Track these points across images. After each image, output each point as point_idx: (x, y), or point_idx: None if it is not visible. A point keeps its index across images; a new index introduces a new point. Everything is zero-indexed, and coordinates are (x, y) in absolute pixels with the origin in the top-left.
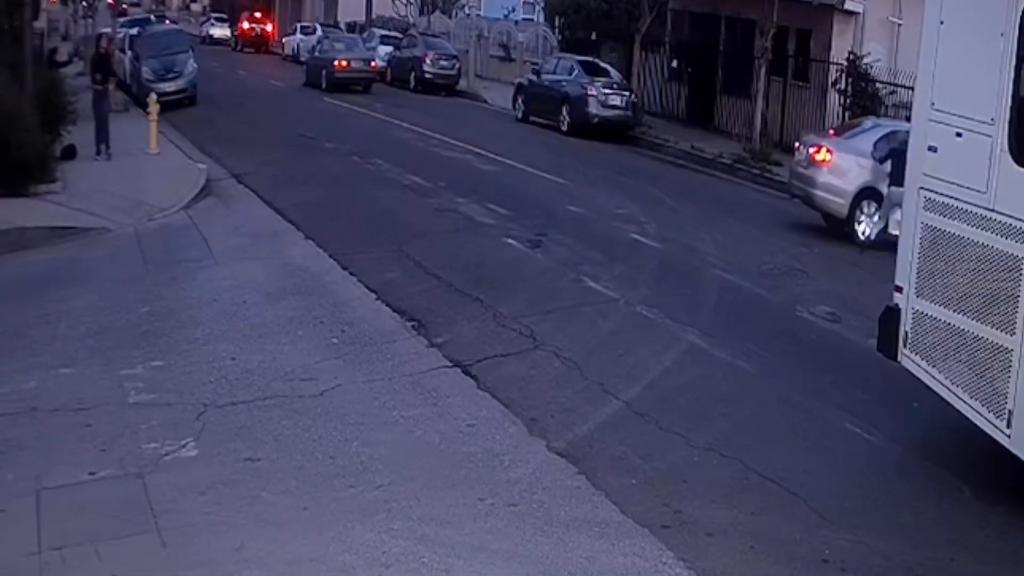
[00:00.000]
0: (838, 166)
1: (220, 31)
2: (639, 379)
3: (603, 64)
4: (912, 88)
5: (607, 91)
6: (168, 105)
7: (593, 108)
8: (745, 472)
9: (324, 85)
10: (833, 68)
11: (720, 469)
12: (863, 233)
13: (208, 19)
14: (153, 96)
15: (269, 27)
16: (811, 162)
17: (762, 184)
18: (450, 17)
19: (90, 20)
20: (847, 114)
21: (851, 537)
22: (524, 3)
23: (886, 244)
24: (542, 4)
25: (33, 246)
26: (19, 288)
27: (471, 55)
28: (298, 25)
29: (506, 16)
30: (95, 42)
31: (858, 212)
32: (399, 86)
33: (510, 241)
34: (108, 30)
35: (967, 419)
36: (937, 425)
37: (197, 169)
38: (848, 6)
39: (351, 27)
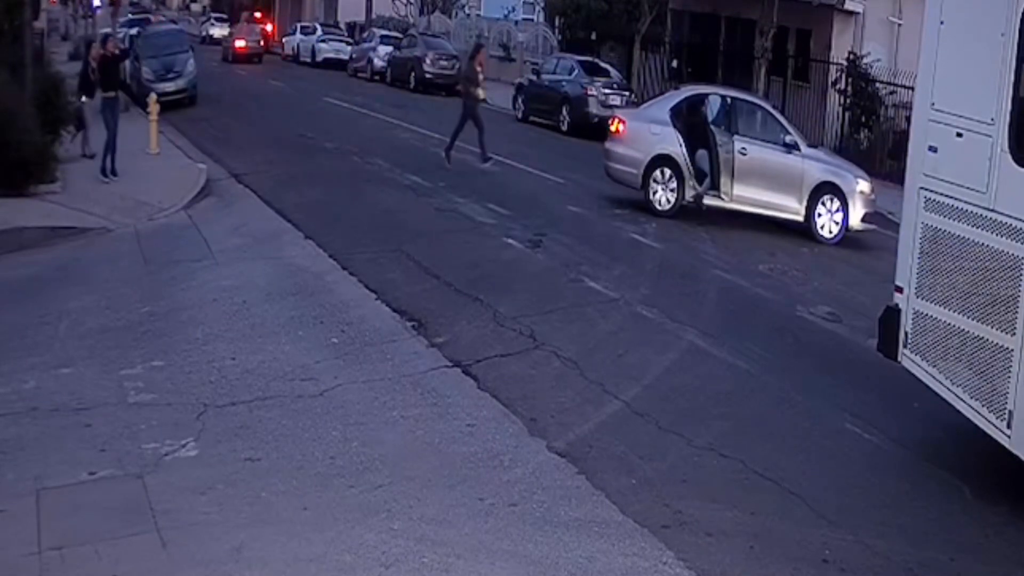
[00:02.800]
0: (630, 136)
1: (220, 31)
2: (639, 379)
3: (603, 64)
4: (912, 88)
5: (607, 91)
6: (168, 105)
7: (593, 108)
8: (745, 472)
9: (229, 59)
10: (833, 68)
11: (720, 469)
12: (658, 204)
13: (208, 19)
14: (153, 96)
15: (269, 27)
16: (608, 135)
17: None
18: (450, 17)
19: (90, 20)
20: (847, 114)
21: (851, 537)
22: (524, 3)
23: (684, 212)
24: (542, 4)
25: (33, 246)
26: (19, 288)
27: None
28: (298, 25)
29: (506, 16)
30: (101, 44)
31: (652, 182)
32: (399, 86)
33: (510, 241)
34: (108, 30)
35: (967, 419)
36: (937, 425)
37: (197, 169)
38: (848, 6)
39: (351, 27)
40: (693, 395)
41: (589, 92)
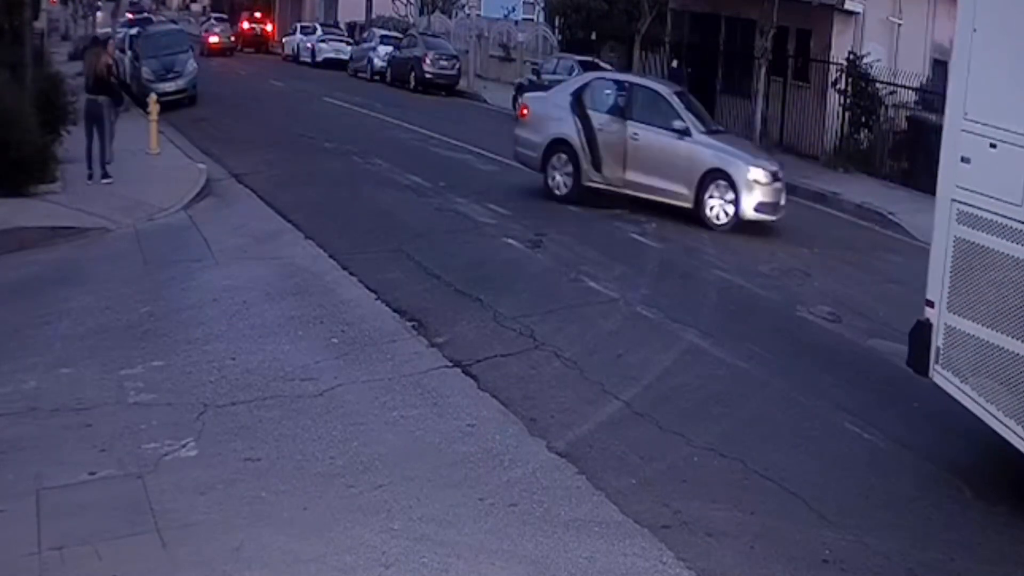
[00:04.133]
0: (533, 120)
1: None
2: (639, 379)
3: (603, 64)
4: (912, 88)
5: None
6: (168, 105)
7: None
8: (745, 472)
9: (204, 53)
10: (833, 68)
11: (720, 469)
12: (557, 188)
13: (208, 19)
14: (153, 96)
15: (269, 27)
16: (516, 119)
17: None
18: (450, 17)
19: (90, 19)
20: (847, 114)
21: (851, 537)
22: (524, 3)
23: (583, 198)
24: (542, 4)
25: (33, 246)
26: (19, 288)
27: (471, 55)
28: (298, 25)
29: (506, 16)
30: (103, 46)
31: (550, 167)
32: (399, 86)
33: (510, 241)
34: (108, 30)
35: (967, 420)
36: (937, 425)
37: (197, 169)
38: (848, 6)
39: (351, 27)
40: (693, 395)
41: None
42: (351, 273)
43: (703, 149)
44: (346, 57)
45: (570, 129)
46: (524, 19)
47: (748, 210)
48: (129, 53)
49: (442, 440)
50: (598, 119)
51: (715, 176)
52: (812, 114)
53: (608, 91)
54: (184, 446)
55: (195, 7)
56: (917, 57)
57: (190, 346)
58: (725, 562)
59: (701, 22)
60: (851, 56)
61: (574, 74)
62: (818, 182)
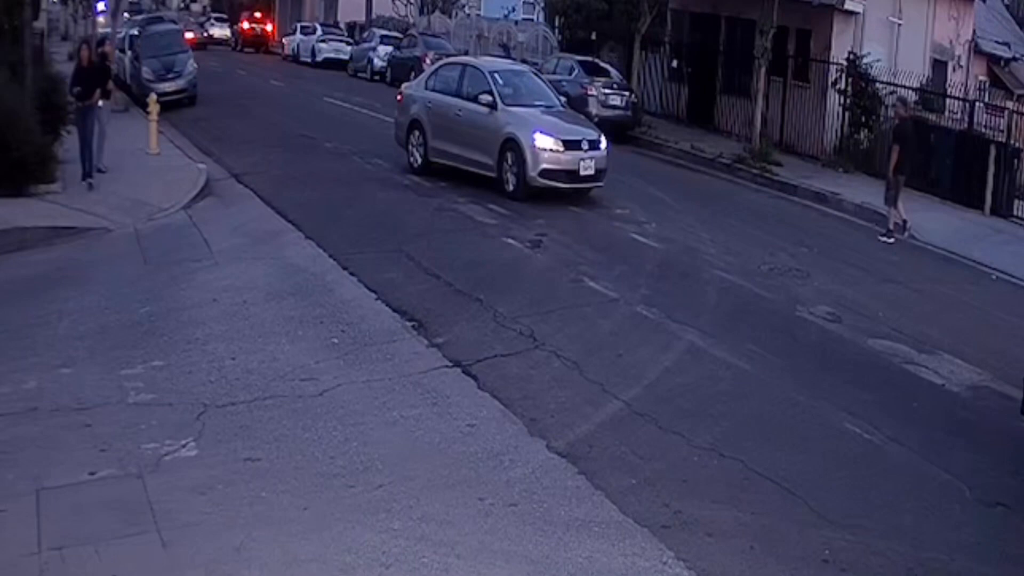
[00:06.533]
0: (404, 103)
1: (220, 31)
2: (639, 379)
3: (603, 64)
4: (912, 88)
5: (607, 91)
6: (168, 105)
7: (593, 108)
8: (745, 472)
9: None
10: (833, 68)
11: (720, 469)
12: (413, 161)
13: (208, 19)
14: (153, 96)
15: (269, 27)
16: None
17: (762, 184)
18: (450, 17)
19: (90, 19)
20: (847, 114)
21: (851, 537)
22: (524, 3)
23: (429, 171)
24: (542, 4)
25: (33, 246)
26: (19, 288)
27: (471, 55)
28: (298, 25)
29: (506, 16)
30: (97, 46)
31: (409, 144)
32: (399, 86)
33: (510, 241)
34: (108, 30)
35: (967, 420)
36: (937, 425)
37: (197, 169)
38: (848, 6)
39: (351, 27)
40: (693, 395)
41: (589, 92)
42: (351, 273)
43: (504, 119)
44: (346, 57)
45: (421, 111)
46: (524, 19)
47: (534, 174)
48: (129, 53)
49: (442, 440)
50: (439, 100)
51: (510, 145)
52: (812, 114)
53: (448, 74)
54: (184, 446)
55: (195, 7)
56: (917, 57)
57: (190, 346)
58: (725, 562)
59: (701, 22)
60: (851, 56)
61: (574, 75)
62: (818, 182)
